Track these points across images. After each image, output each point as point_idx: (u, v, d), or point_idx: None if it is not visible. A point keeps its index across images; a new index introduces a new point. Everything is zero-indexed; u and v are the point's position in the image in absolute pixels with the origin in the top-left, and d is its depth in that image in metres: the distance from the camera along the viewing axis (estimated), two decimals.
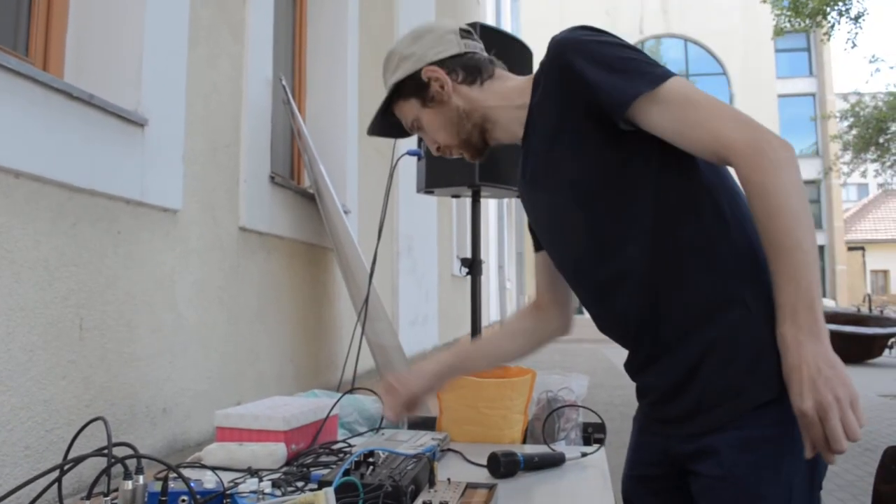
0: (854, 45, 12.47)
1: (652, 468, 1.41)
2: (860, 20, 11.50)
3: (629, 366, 1.42)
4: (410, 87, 1.47)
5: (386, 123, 1.58)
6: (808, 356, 1.10)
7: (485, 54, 1.51)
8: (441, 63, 1.45)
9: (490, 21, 13.44)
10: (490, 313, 13.39)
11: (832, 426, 1.07)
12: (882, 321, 13.56)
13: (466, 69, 1.46)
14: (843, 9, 11.34)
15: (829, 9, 11.30)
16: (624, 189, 1.28)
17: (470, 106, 1.45)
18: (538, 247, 1.61)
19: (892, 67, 36.00)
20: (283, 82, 3.05)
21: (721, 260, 1.24)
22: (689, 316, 1.26)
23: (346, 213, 3.30)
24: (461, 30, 1.50)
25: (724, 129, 1.17)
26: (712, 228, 1.25)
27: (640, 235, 1.27)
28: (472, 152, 1.50)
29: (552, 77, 1.31)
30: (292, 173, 3.54)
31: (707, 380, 1.24)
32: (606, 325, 1.41)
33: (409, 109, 1.50)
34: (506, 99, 1.44)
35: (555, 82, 1.31)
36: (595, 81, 1.23)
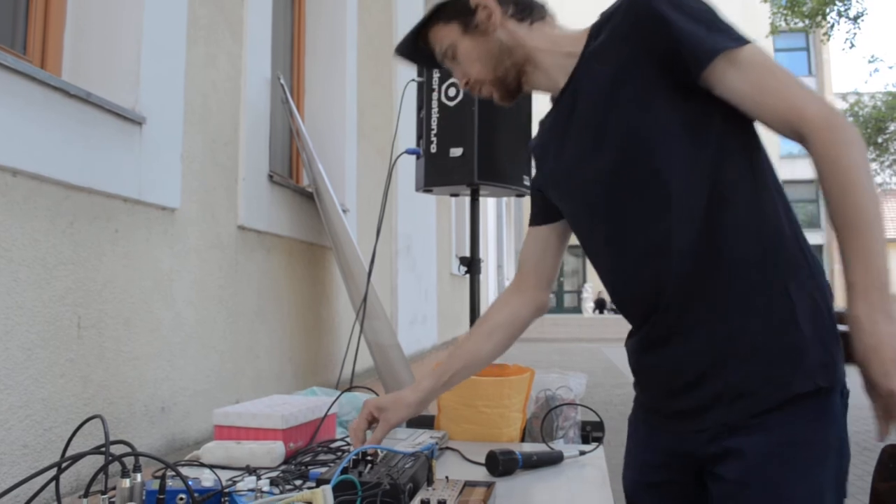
0: (853, 46, 12.49)
1: (663, 472, 1.34)
2: (859, 20, 11.51)
3: (639, 343, 1.33)
4: (454, 10, 1.40)
5: (415, 48, 1.50)
6: (885, 336, 1.07)
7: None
8: None
9: None
10: None
11: None
12: None
13: (518, 4, 1.38)
14: (842, 9, 11.35)
15: (828, 9, 11.31)
16: (682, 151, 1.21)
17: (514, 42, 1.37)
18: (539, 220, 1.53)
19: (891, 67, 35.90)
20: (282, 81, 3.05)
21: (770, 242, 1.19)
22: (727, 295, 1.19)
23: (344, 211, 3.30)
24: None
25: (801, 100, 1.14)
26: (764, 209, 1.20)
27: (692, 202, 1.21)
28: (503, 93, 1.42)
29: (630, 22, 1.23)
30: (291, 172, 3.54)
31: (736, 368, 1.18)
32: (630, 293, 1.32)
33: (446, 34, 1.42)
34: (554, 44, 1.36)
35: (633, 27, 1.22)
36: (680, 30, 1.17)
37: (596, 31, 1.30)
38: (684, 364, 1.23)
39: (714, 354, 1.19)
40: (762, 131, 1.25)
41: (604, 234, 1.33)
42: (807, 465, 1.15)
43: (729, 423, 1.19)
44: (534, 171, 1.54)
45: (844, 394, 1.21)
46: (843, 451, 1.19)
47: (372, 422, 1.49)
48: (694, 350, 1.21)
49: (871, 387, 1.10)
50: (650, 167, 1.23)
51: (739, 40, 1.18)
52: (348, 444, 1.65)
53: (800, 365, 1.15)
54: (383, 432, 1.45)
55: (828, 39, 12.50)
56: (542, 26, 1.39)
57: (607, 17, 1.29)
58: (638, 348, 1.33)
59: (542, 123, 1.45)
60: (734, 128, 1.22)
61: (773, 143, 25.53)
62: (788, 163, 27.08)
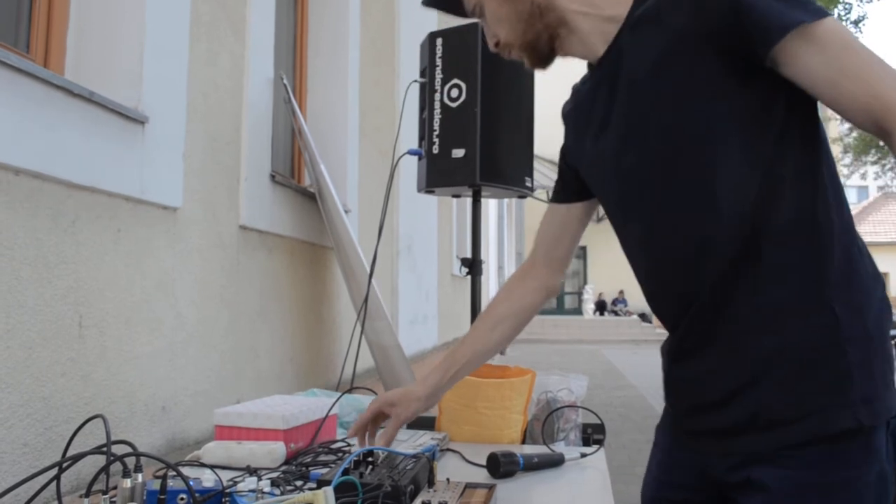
0: None
1: (683, 491, 1.24)
2: (860, 24, 11.53)
3: (670, 351, 1.22)
4: None
5: None
6: None
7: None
8: None
9: None
10: None
11: None
12: None
13: None
14: (844, 13, 11.38)
15: (829, 12, 11.37)
16: (735, 147, 1.07)
17: (546, 3, 1.20)
18: (562, 197, 1.42)
19: None
20: (284, 80, 3.05)
21: (819, 257, 1.05)
22: (769, 307, 1.06)
23: (346, 212, 3.29)
24: None
25: (886, 86, 0.97)
26: (818, 216, 1.06)
27: (738, 204, 1.07)
28: (534, 58, 1.27)
29: None
30: (293, 172, 3.54)
31: (772, 389, 1.05)
32: (662, 295, 1.22)
33: None
34: (593, 6, 1.18)
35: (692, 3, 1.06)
36: (751, 2, 1.01)
37: None
38: (714, 380, 1.12)
39: (746, 373, 1.07)
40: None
41: (639, 230, 1.22)
42: None
43: (757, 451, 1.07)
44: (564, 139, 1.39)
45: (892, 426, 1.05)
46: (885, 492, 1.04)
47: (380, 418, 1.46)
48: (725, 365, 1.10)
49: None
50: (696, 163, 1.10)
51: (818, 13, 1.01)
52: (349, 444, 1.65)
53: (841, 396, 1.02)
54: (395, 428, 1.42)
55: None
56: None
57: None
58: (669, 358, 1.23)
59: (577, 91, 1.30)
60: (798, 119, 1.07)
61: None
62: None
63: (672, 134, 1.10)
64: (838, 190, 1.09)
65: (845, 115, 1.01)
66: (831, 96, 1.01)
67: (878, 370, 1.04)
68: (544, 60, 1.27)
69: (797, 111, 1.06)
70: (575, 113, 1.31)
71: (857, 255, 1.07)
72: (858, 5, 11.19)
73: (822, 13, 1.01)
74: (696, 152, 1.09)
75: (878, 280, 1.11)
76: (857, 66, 0.99)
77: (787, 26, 0.99)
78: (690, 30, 1.06)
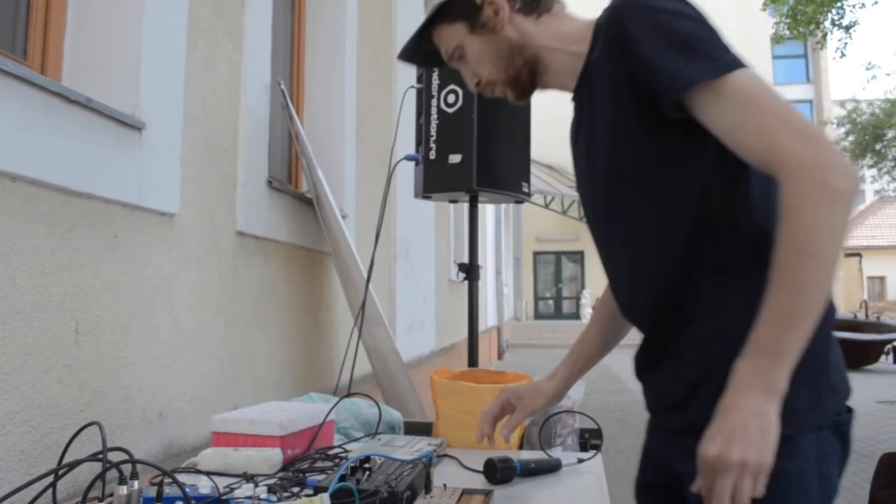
0: (843, 55, 12.55)
1: (657, 477, 1.34)
2: (851, 30, 11.56)
3: (637, 357, 1.31)
4: (459, 9, 1.32)
5: (420, 50, 1.42)
6: (746, 406, 1.00)
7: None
8: None
9: None
10: (487, 318, 13.40)
11: (720, 486, 1.00)
12: (879, 327, 13.59)
13: None
14: (836, 18, 11.41)
15: (822, 18, 11.36)
16: (665, 182, 1.16)
17: (523, 40, 1.30)
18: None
19: (888, 74, 36.05)
20: (282, 86, 3.05)
21: (753, 284, 1.08)
22: (704, 329, 1.16)
23: (343, 217, 3.30)
24: None
25: (783, 139, 1.02)
26: (751, 249, 1.12)
27: (668, 238, 1.17)
28: (518, 92, 1.35)
29: (610, 40, 1.17)
30: (290, 178, 3.54)
31: (704, 401, 1.11)
32: (626, 310, 1.33)
33: (452, 34, 1.34)
34: (561, 42, 1.29)
35: (612, 47, 1.16)
36: (650, 57, 1.09)
37: (596, 35, 1.23)
38: (671, 387, 1.21)
39: (691, 385, 1.16)
40: None
41: (602, 249, 1.33)
42: (782, 498, 1.08)
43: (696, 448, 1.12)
44: None
45: (836, 425, 1.13)
46: (804, 487, 1.10)
47: (507, 410, 1.51)
48: (676, 376, 1.19)
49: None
50: (631, 197, 1.20)
51: (721, 68, 1.06)
52: (346, 451, 1.65)
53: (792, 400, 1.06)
54: (521, 417, 1.48)
55: (822, 48, 12.56)
56: (550, 20, 1.32)
57: (600, 24, 1.22)
58: (636, 366, 1.32)
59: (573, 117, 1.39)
60: (730, 159, 1.11)
61: None
62: None
63: (611, 172, 1.22)
64: (769, 211, 1.11)
65: (746, 159, 1.08)
66: (730, 145, 1.08)
67: (805, 384, 1.08)
68: (526, 93, 1.36)
69: (723, 151, 1.11)
70: (571, 133, 1.38)
71: None
72: (851, 11, 11.23)
73: (732, 65, 1.07)
74: (628, 190, 1.20)
75: None
76: (756, 118, 1.05)
77: (683, 87, 1.07)
78: (622, 78, 1.15)
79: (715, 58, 1.07)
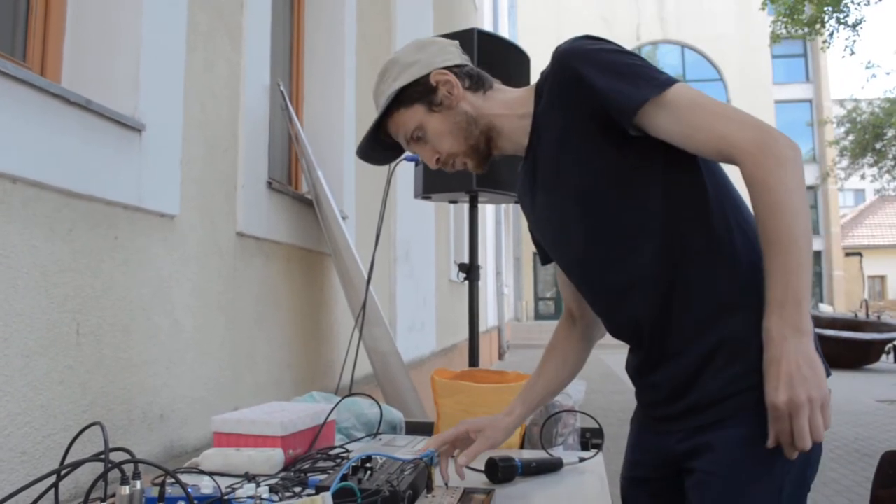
0: (852, 53, 12.50)
1: (649, 469, 1.42)
2: (858, 27, 11.53)
3: (634, 368, 1.42)
4: (416, 93, 1.44)
5: (377, 144, 1.54)
6: (791, 352, 1.13)
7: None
8: (448, 68, 1.45)
9: (488, 26, 13.48)
10: (488, 319, 13.39)
11: (800, 425, 1.12)
12: (879, 326, 13.60)
13: (472, 77, 1.46)
14: (841, 16, 11.37)
15: (826, 16, 11.33)
16: (632, 196, 1.30)
17: (477, 112, 1.44)
18: (545, 260, 1.60)
19: (888, 73, 36.03)
20: (281, 87, 3.06)
21: (730, 266, 1.27)
22: (699, 320, 1.27)
23: (343, 218, 3.30)
24: (458, 44, 1.52)
25: (730, 129, 1.20)
26: (720, 235, 1.27)
27: (648, 243, 1.29)
28: (477, 160, 1.47)
29: (559, 86, 1.33)
30: (290, 179, 3.54)
31: (711, 378, 1.25)
32: (616, 328, 1.42)
33: (411, 117, 1.45)
34: (509, 108, 1.44)
35: (562, 90, 1.32)
36: (603, 88, 1.25)
37: (539, 91, 1.38)
38: (670, 382, 1.32)
39: (692, 370, 1.28)
40: None
41: (579, 279, 1.46)
42: (772, 457, 1.19)
43: (700, 425, 1.27)
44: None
45: None
46: (810, 455, 1.22)
47: (459, 445, 1.53)
48: (676, 368, 1.30)
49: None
50: (604, 221, 1.33)
51: (662, 85, 1.23)
52: (348, 451, 1.65)
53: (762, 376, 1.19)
54: (481, 448, 1.50)
55: (828, 47, 12.53)
56: (494, 94, 1.46)
57: (545, 78, 1.37)
58: (636, 373, 1.43)
59: (520, 172, 1.51)
60: (681, 163, 1.28)
61: None
62: None
63: (583, 193, 1.33)
64: (738, 212, 1.31)
65: (704, 157, 1.27)
66: (689, 147, 1.24)
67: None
68: (484, 161, 1.48)
69: (674, 156, 1.27)
70: (520, 190, 1.53)
71: (761, 252, 1.20)
72: (856, 8, 11.21)
73: (670, 82, 1.24)
74: (601, 215, 1.32)
75: None
76: (703, 119, 1.22)
77: (637, 105, 1.23)
78: (573, 117, 1.30)
79: (654, 78, 1.25)
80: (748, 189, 1.19)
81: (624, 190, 1.30)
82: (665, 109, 1.23)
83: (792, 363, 1.12)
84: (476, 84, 1.45)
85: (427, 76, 1.43)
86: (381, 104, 1.47)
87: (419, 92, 1.44)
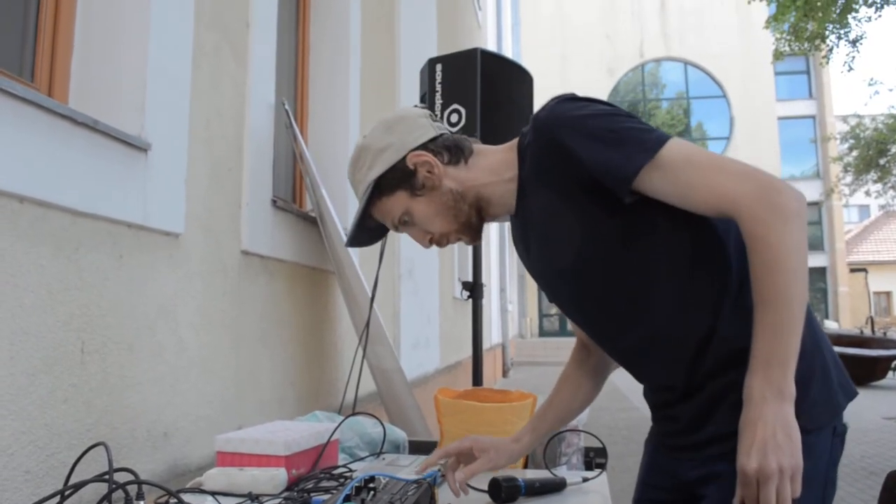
0: (851, 69, 12.51)
1: (662, 492, 1.42)
2: (858, 43, 11.55)
3: (652, 401, 1.43)
4: (394, 180, 1.38)
5: (364, 229, 1.48)
6: (769, 416, 1.10)
7: (455, 133, 1.44)
8: (424, 147, 1.38)
9: (491, 45, 13.55)
10: (492, 336, 13.37)
11: (766, 494, 1.09)
12: (885, 343, 13.52)
13: (450, 150, 1.39)
14: (842, 32, 11.39)
15: (827, 32, 11.35)
16: (634, 258, 1.26)
17: (462, 187, 1.38)
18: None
19: (891, 90, 36.06)
20: (286, 106, 3.08)
21: (741, 310, 1.22)
22: (717, 362, 1.26)
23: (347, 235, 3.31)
24: (428, 113, 1.45)
25: (728, 185, 1.15)
26: (728, 280, 1.25)
27: (657, 300, 1.27)
28: (471, 234, 1.43)
29: (543, 156, 1.28)
30: (294, 197, 3.56)
31: (727, 412, 1.22)
32: (638, 378, 1.42)
33: (394, 204, 1.40)
34: (495, 174, 1.38)
35: (547, 161, 1.27)
36: (591, 160, 1.20)
37: (522, 153, 1.34)
38: (688, 416, 1.31)
39: (709, 405, 1.27)
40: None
41: (593, 338, 1.45)
42: None
43: (714, 454, 1.26)
44: None
45: (838, 431, 1.25)
46: (827, 488, 1.22)
47: (462, 459, 1.51)
48: (695, 404, 1.29)
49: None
50: (606, 287, 1.30)
51: (654, 147, 1.18)
52: (351, 470, 1.65)
53: None
54: (480, 468, 1.48)
55: (827, 63, 12.55)
56: (476, 160, 1.40)
57: (527, 142, 1.32)
58: (650, 402, 1.44)
59: (512, 226, 1.48)
60: (678, 221, 1.24)
61: (773, 166, 25.59)
62: None
63: (583, 261, 1.30)
64: (740, 258, 1.24)
65: (703, 213, 1.21)
66: (687, 206, 1.20)
67: (816, 382, 1.22)
68: (478, 233, 1.44)
69: (675, 214, 1.23)
70: (515, 240, 1.49)
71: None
72: (857, 24, 11.22)
73: (661, 141, 1.18)
74: (607, 270, 1.28)
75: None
76: (699, 176, 1.17)
77: (630, 176, 1.18)
78: (564, 181, 1.25)
79: (644, 140, 1.19)
80: (746, 243, 1.15)
81: (625, 254, 1.26)
82: (659, 171, 1.18)
83: (768, 429, 1.10)
84: (456, 156, 1.39)
85: (403, 160, 1.37)
86: (361, 194, 1.41)
87: (398, 178, 1.38)
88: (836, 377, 1.26)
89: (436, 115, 1.47)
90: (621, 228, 1.25)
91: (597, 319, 1.38)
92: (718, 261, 1.25)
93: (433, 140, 1.39)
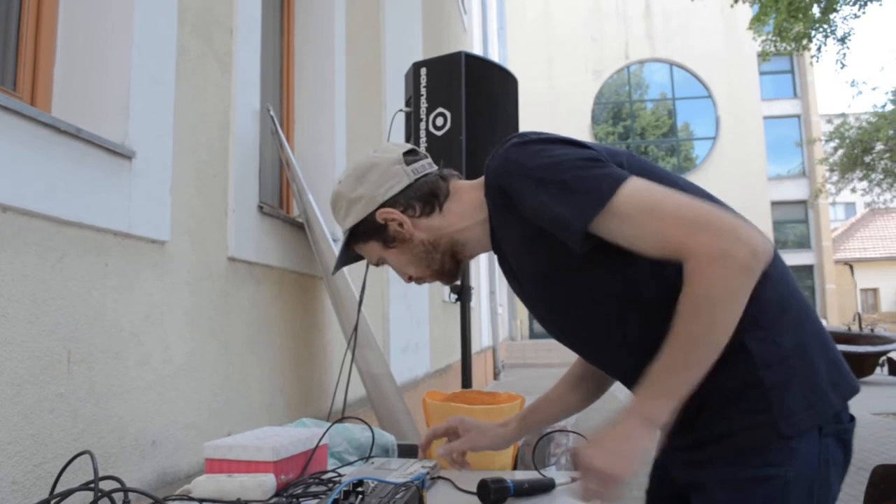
0: (843, 66, 12.55)
1: (663, 485, 1.45)
2: (846, 40, 11.60)
3: None
4: (367, 231, 1.41)
5: (348, 258, 1.52)
6: (628, 429, 1.15)
7: (434, 169, 1.43)
8: (394, 201, 1.38)
9: (477, 49, 13.57)
10: (482, 339, 13.37)
11: (584, 482, 1.16)
12: (873, 339, 13.61)
13: (422, 200, 1.39)
14: (829, 30, 11.45)
15: (813, 31, 11.40)
16: (602, 276, 1.26)
17: (436, 236, 1.39)
18: None
19: (874, 89, 36.38)
20: (271, 112, 3.07)
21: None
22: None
23: (335, 241, 3.31)
24: (404, 154, 1.43)
25: (679, 237, 1.12)
26: None
27: (633, 314, 1.27)
28: (446, 278, 1.45)
29: (497, 201, 1.30)
30: (281, 203, 3.55)
31: (711, 417, 1.23)
32: (622, 379, 1.42)
33: (370, 251, 1.44)
34: (469, 217, 1.39)
35: (502, 206, 1.29)
36: (541, 212, 1.20)
37: (487, 194, 1.34)
38: (678, 416, 1.26)
39: (695, 407, 1.23)
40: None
41: (585, 357, 1.50)
42: (767, 501, 1.18)
43: (698, 460, 1.26)
44: None
45: (826, 431, 1.22)
46: (807, 490, 1.19)
47: (450, 434, 1.57)
48: (685, 404, 1.24)
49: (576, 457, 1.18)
50: (584, 307, 1.31)
51: (605, 195, 1.15)
52: (339, 475, 1.65)
53: (761, 416, 1.19)
54: (461, 447, 1.53)
55: (816, 61, 12.59)
56: (451, 205, 1.40)
57: (487, 187, 1.34)
58: None
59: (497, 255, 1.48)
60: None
61: (759, 165, 25.74)
62: (776, 184, 27.29)
63: (553, 299, 1.34)
64: None
65: (654, 258, 1.17)
66: (638, 252, 1.18)
67: (798, 386, 1.19)
68: (454, 276, 1.45)
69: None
70: (504, 275, 1.49)
71: (758, 287, 1.14)
72: (843, 21, 11.30)
73: (612, 189, 1.15)
74: (576, 309, 1.32)
75: (788, 301, 1.24)
76: (650, 227, 1.15)
77: (579, 231, 1.17)
78: (521, 223, 1.26)
79: (596, 188, 1.16)
80: (683, 281, 1.12)
81: (593, 276, 1.26)
82: (613, 218, 1.16)
83: (617, 436, 1.14)
84: (428, 206, 1.39)
85: (373, 214, 1.38)
86: (341, 236, 1.47)
87: (369, 231, 1.41)
88: (829, 376, 1.23)
89: (414, 149, 1.45)
90: (587, 261, 1.24)
91: (582, 344, 1.42)
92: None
93: (405, 191, 1.38)
